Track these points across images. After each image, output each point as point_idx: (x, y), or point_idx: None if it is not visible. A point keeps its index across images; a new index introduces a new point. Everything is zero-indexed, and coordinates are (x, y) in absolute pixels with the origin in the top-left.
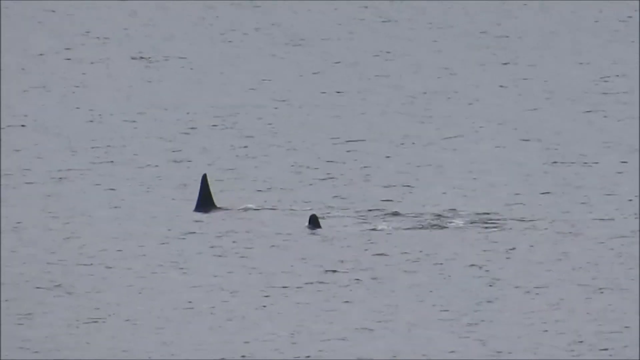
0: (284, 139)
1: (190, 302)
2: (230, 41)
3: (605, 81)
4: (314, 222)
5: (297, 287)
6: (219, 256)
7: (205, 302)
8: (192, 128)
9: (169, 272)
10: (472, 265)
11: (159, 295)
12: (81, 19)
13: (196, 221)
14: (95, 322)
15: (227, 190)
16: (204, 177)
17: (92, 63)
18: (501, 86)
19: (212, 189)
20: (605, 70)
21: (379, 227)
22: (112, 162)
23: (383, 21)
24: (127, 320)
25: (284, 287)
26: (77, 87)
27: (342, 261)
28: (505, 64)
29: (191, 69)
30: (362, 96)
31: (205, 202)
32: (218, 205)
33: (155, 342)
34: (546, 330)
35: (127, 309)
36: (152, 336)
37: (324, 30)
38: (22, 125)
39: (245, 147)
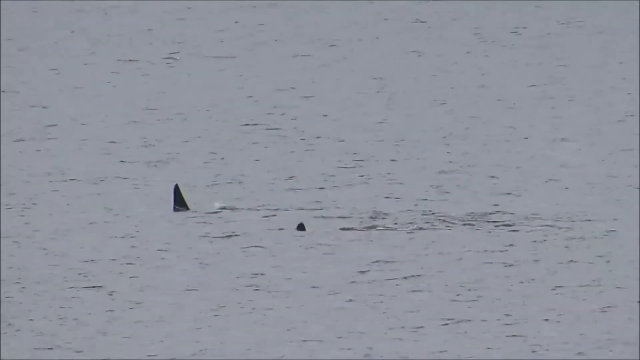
0: (310, 137)
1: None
2: (259, 41)
3: None
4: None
5: (332, 289)
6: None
7: (242, 300)
8: (222, 128)
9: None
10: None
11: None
12: (111, 18)
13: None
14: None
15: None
16: (176, 187)
17: (121, 61)
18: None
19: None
20: None
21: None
22: (148, 162)
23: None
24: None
25: (314, 287)
26: (109, 86)
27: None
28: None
29: (221, 69)
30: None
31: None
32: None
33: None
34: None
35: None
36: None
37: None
38: (53, 125)
39: (291, 152)
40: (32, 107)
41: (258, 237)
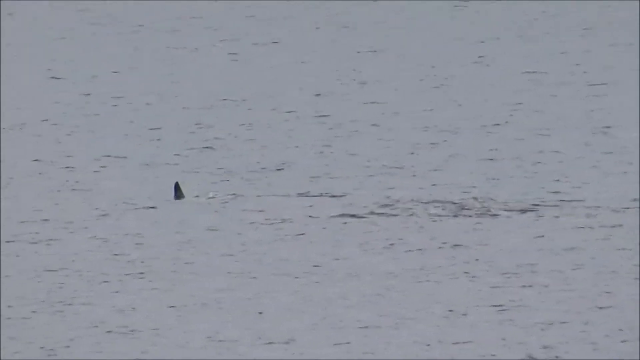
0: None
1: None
2: (318, 27)
3: None
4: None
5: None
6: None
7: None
8: (269, 115)
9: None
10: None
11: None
12: (173, 5)
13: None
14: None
15: None
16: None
17: (183, 48)
18: None
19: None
20: None
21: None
22: (207, 147)
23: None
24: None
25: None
26: (170, 74)
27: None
28: None
29: (278, 57)
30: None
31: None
32: None
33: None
34: None
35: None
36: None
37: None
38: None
39: (335, 136)
40: (83, 94)
41: (302, 224)
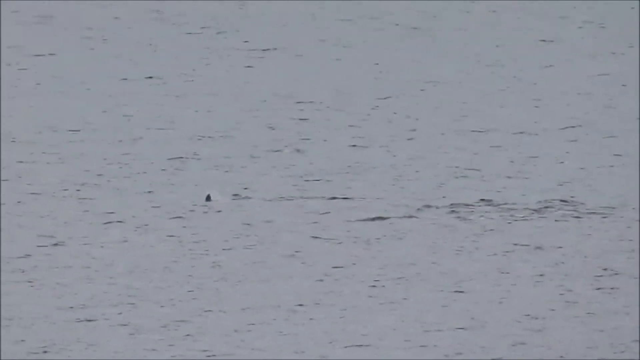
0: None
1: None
2: (347, 30)
3: None
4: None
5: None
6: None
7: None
8: (302, 119)
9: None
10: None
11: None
12: (198, 11)
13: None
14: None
15: None
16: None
17: (206, 51)
18: None
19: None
20: None
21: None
22: (228, 154)
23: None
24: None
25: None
26: (192, 79)
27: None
28: None
29: (302, 59)
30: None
31: None
32: None
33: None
34: None
35: None
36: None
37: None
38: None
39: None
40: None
41: (346, 227)
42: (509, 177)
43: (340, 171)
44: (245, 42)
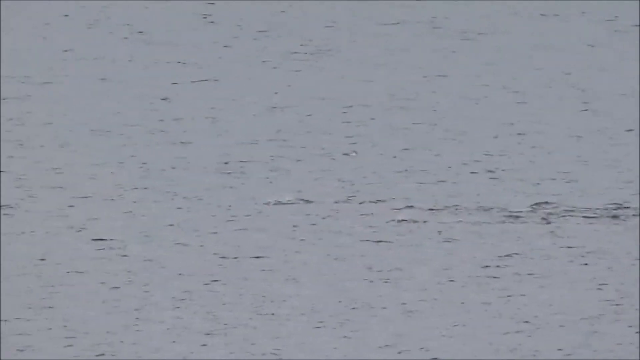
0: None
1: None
2: (389, 34)
3: None
4: None
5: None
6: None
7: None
8: (361, 120)
9: None
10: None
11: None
12: (237, 11)
13: None
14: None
15: None
16: None
17: (247, 56)
18: None
19: None
20: None
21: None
22: (282, 156)
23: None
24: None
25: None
26: (249, 79)
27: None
28: None
29: (350, 61)
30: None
31: None
32: None
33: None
34: None
35: None
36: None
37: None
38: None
39: (424, 145)
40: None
41: (387, 230)
42: (565, 181)
43: (392, 174)
44: (299, 44)
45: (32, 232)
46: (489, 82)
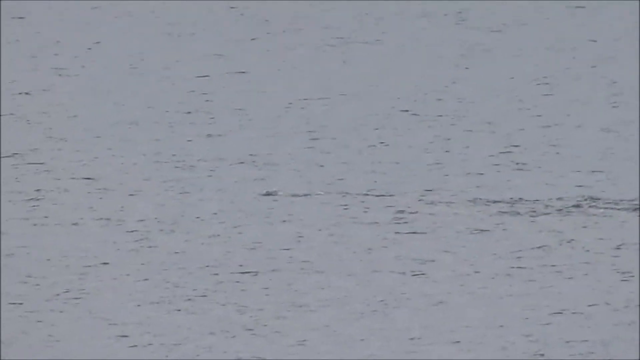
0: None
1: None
2: (416, 27)
3: None
4: None
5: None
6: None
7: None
8: (381, 113)
9: None
10: None
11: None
12: (266, 4)
13: None
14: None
15: None
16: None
17: (286, 49)
18: None
19: None
20: None
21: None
22: (312, 147)
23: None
24: None
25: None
26: (278, 71)
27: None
28: None
29: (385, 54)
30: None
31: None
32: None
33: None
34: None
35: None
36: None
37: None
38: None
39: (447, 139)
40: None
41: (415, 222)
42: (593, 173)
43: (427, 167)
44: (328, 36)
45: (59, 224)
46: (515, 74)
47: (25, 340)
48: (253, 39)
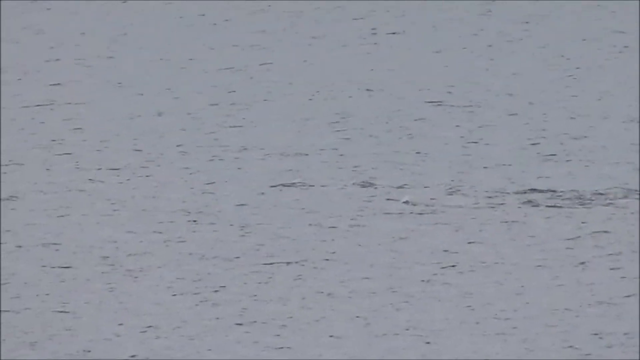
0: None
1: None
2: (441, 19)
3: None
4: None
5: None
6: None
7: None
8: (408, 106)
9: None
10: None
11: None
12: None
13: None
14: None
15: None
16: None
17: (313, 38)
18: None
19: None
20: None
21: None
22: (348, 138)
23: None
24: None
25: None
26: (304, 62)
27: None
28: None
29: (409, 48)
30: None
31: None
32: None
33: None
34: None
35: None
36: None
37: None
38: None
39: (479, 127)
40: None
41: (445, 214)
42: (623, 165)
43: (454, 158)
44: (356, 27)
45: (86, 214)
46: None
47: (49, 331)
48: (279, 31)
